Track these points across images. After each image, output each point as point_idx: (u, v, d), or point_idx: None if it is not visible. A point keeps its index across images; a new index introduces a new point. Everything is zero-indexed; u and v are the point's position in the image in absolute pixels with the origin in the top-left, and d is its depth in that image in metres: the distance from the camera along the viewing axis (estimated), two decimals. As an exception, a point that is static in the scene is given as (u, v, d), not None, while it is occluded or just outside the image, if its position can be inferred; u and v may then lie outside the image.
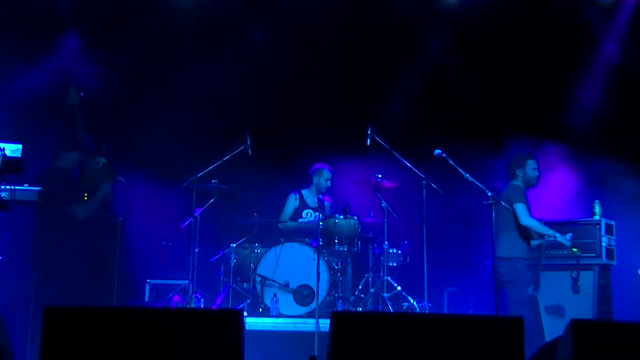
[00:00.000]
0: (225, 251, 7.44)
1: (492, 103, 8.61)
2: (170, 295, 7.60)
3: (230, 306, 7.08)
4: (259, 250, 7.36)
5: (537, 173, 6.82)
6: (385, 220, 7.38)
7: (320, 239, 7.16)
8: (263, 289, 7.12)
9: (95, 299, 6.43)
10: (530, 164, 6.79)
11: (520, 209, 6.59)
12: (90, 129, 6.59)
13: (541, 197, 7.48)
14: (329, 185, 7.86)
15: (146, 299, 7.81)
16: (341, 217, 7.30)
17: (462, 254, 8.64)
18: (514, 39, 8.51)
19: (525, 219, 6.57)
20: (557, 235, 6.68)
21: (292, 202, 7.89)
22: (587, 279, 7.13)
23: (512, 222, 6.62)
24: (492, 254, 6.47)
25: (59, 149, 6.54)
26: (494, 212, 6.41)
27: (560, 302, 7.16)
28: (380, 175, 7.47)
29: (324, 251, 7.19)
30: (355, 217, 7.36)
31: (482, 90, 8.54)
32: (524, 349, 3.70)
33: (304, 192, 7.95)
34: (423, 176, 7.07)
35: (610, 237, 7.33)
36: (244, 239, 7.55)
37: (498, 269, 6.53)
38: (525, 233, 6.68)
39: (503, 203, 6.44)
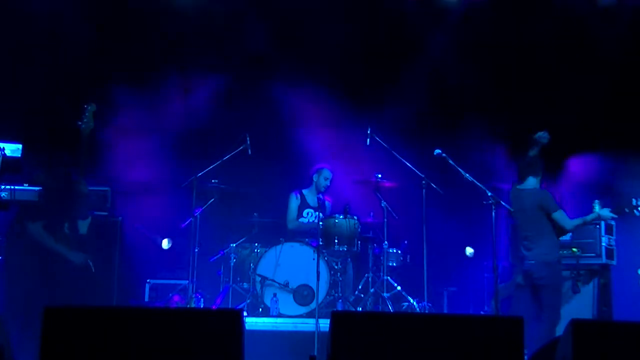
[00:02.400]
0: (225, 251, 7.44)
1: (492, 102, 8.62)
2: (170, 295, 7.60)
3: (230, 306, 7.08)
4: (258, 250, 7.37)
5: None
6: (385, 220, 7.38)
7: (320, 239, 7.16)
8: (263, 288, 7.12)
9: (95, 299, 6.42)
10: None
11: (562, 216, 6.59)
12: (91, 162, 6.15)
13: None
14: (328, 184, 7.86)
15: (146, 299, 7.81)
16: (341, 217, 7.30)
17: (462, 254, 8.65)
18: (516, 36, 8.51)
19: (570, 224, 6.60)
20: (595, 214, 6.72)
21: (294, 202, 7.89)
22: (587, 278, 7.13)
23: (549, 226, 6.58)
24: (492, 255, 6.46)
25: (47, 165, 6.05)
26: (494, 212, 6.40)
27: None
28: (380, 175, 7.47)
29: (324, 251, 7.19)
30: (355, 217, 7.36)
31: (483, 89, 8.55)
32: (524, 349, 3.71)
33: (304, 191, 7.94)
34: (423, 176, 7.08)
35: (610, 237, 7.33)
36: (244, 239, 7.55)
37: (535, 274, 6.50)
38: (560, 235, 6.71)
39: (503, 203, 6.44)
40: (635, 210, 6.64)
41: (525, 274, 6.62)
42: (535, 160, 6.80)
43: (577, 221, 6.65)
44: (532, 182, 6.73)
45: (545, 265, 6.50)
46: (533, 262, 6.52)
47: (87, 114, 5.98)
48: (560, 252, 6.90)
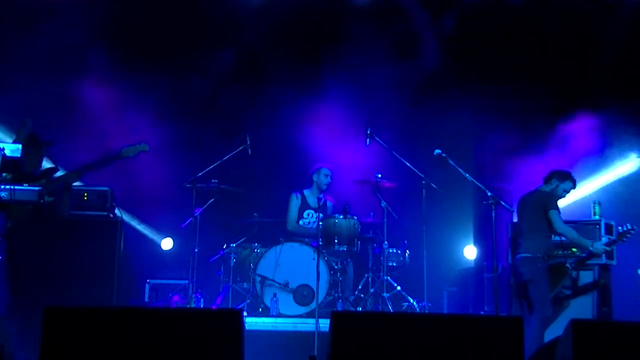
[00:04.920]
0: (225, 251, 7.44)
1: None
2: (170, 295, 7.61)
3: (230, 306, 7.08)
4: (258, 250, 7.36)
5: (564, 195, 6.80)
6: (385, 220, 7.38)
7: (320, 239, 7.16)
8: (263, 288, 7.12)
9: (95, 299, 6.42)
10: (567, 184, 6.76)
11: (555, 215, 6.58)
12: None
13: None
14: (330, 181, 7.85)
15: (146, 299, 7.82)
16: (341, 217, 7.29)
17: (462, 254, 8.65)
18: (513, 35, 8.50)
19: (560, 227, 6.57)
20: (590, 246, 6.68)
21: (294, 203, 7.88)
22: (587, 279, 7.14)
23: (543, 224, 6.59)
24: (492, 255, 6.47)
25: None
26: (494, 212, 6.40)
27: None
28: (380, 175, 7.47)
29: (324, 251, 7.19)
30: (355, 217, 7.35)
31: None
32: (523, 349, 3.71)
33: (305, 192, 7.93)
34: (423, 176, 7.07)
35: (610, 237, 7.32)
36: (244, 239, 7.55)
37: (519, 269, 6.53)
38: (550, 234, 6.70)
39: (503, 203, 6.44)
40: (624, 238, 6.67)
41: (514, 271, 6.67)
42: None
43: (571, 232, 6.61)
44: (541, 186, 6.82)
45: (527, 261, 6.54)
46: (518, 257, 6.58)
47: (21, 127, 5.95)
48: (558, 251, 6.91)
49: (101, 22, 8.10)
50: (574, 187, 6.85)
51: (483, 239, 8.24)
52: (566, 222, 7.25)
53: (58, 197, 6.02)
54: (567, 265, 6.85)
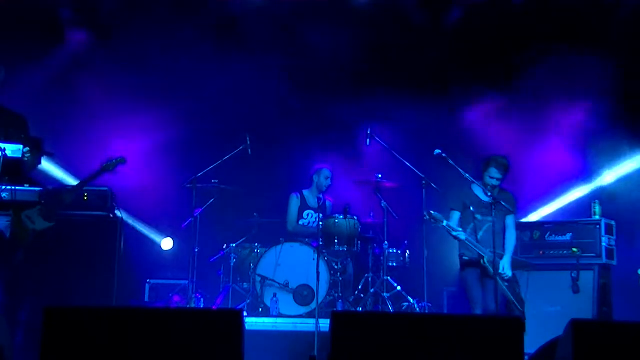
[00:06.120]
0: (225, 251, 7.44)
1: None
2: (170, 295, 7.61)
3: (230, 306, 7.09)
4: (259, 250, 7.37)
5: (493, 182, 6.49)
6: (385, 220, 7.39)
7: (320, 239, 7.16)
8: (263, 289, 7.12)
9: (95, 299, 6.42)
10: (492, 171, 6.48)
11: (451, 214, 6.54)
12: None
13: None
14: (329, 184, 7.86)
15: (146, 299, 7.82)
16: (341, 217, 7.30)
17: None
18: (514, 32, 8.49)
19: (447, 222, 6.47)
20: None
21: (294, 203, 7.88)
22: (587, 279, 7.14)
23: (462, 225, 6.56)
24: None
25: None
26: (494, 211, 6.39)
27: (560, 302, 7.16)
28: (380, 175, 7.47)
29: (324, 251, 7.19)
30: (355, 217, 7.36)
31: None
32: (523, 349, 3.71)
33: (305, 192, 7.94)
34: (423, 176, 7.07)
35: (610, 237, 7.33)
36: (244, 239, 7.56)
37: None
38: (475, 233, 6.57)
39: (503, 203, 6.43)
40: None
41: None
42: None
43: (460, 236, 6.42)
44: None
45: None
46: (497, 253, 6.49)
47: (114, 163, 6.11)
48: (558, 251, 6.88)
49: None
50: (503, 170, 6.49)
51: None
52: (566, 222, 7.27)
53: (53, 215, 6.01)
54: (481, 261, 6.56)
